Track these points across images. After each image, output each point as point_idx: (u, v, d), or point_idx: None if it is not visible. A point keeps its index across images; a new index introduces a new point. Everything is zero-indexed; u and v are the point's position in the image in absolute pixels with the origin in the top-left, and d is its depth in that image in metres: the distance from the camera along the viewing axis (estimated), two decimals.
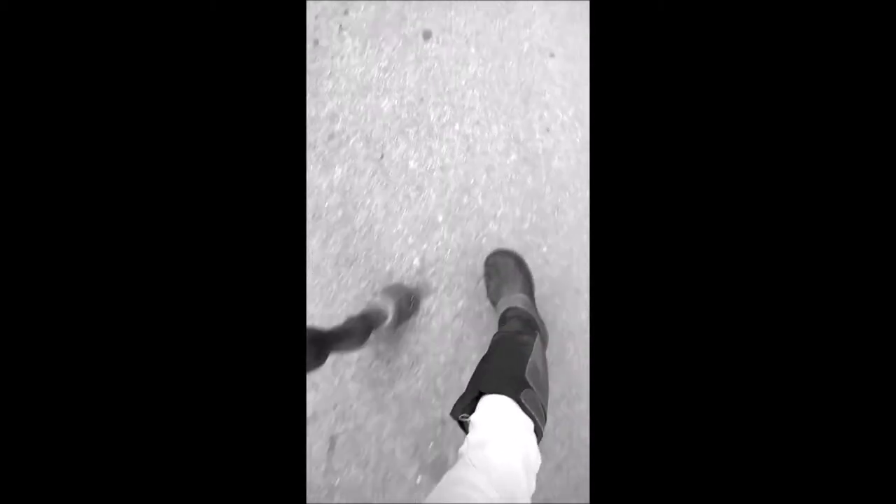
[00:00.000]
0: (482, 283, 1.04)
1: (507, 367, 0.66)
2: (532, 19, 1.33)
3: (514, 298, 0.94)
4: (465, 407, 0.62)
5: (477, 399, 0.62)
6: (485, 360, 0.71)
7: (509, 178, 1.16)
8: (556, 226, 1.12)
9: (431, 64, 1.33)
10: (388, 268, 1.12)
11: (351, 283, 1.12)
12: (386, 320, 0.93)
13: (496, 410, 0.59)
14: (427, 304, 1.08)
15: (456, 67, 1.30)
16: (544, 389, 0.68)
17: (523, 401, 0.59)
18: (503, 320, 0.90)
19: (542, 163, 1.16)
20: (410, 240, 1.14)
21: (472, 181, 1.17)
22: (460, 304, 1.06)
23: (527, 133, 1.18)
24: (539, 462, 0.57)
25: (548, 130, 1.18)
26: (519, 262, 1.02)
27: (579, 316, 1.10)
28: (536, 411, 0.60)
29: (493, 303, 1.00)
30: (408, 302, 1.01)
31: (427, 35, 1.36)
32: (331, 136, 1.28)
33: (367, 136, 1.27)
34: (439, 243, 1.13)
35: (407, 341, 1.03)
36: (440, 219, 1.15)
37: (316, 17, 1.41)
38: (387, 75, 1.34)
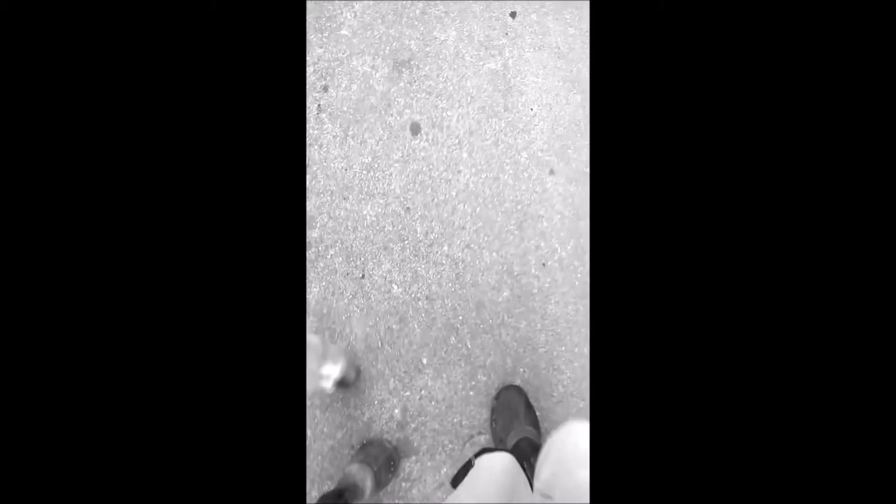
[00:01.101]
0: (470, 443, 0.97)
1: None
2: (532, 124, 1.23)
3: (524, 430, 0.91)
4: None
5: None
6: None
7: (501, 318, 1.08)
8: (550, 386, 1.06)
9: (420, 167, 1.20)
10: (366, 416, 1.03)
11: (327, 430, 1.02)
12: (364, 496, 0.86)
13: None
14: (408, 467, 1.00)
15: (446, 175, 1.19)
16: None
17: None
18: (515, 447, 0.87)
19: (537, 305, 1.09)
20: (392, 383, 1.05)
21: (461, 318, 1.08)
22: (444, 471, 0.99)
23: (521, 266, 1.10)
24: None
25: (544, 266, 1.11)
26: (527, 401, 1.00)
27: None
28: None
29: (500, 441, 0.95)
30: (387, 469, 0.94)
31: (415, 129, 1.23)
32: (308, 246, 1.15)
33: (347, 249, 1.15)
34: (423, 392, 1.05)
35: None
36: (424, 361, 1.06)
37: None
38: (370, 174, 1.20)
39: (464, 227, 1.15)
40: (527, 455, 0.80)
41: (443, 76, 1.26)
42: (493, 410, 1.00)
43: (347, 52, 1.30)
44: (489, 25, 1.31)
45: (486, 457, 0.68)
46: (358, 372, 1.00)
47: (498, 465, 0.67)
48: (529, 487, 0.64)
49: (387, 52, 1.30)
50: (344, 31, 1.33)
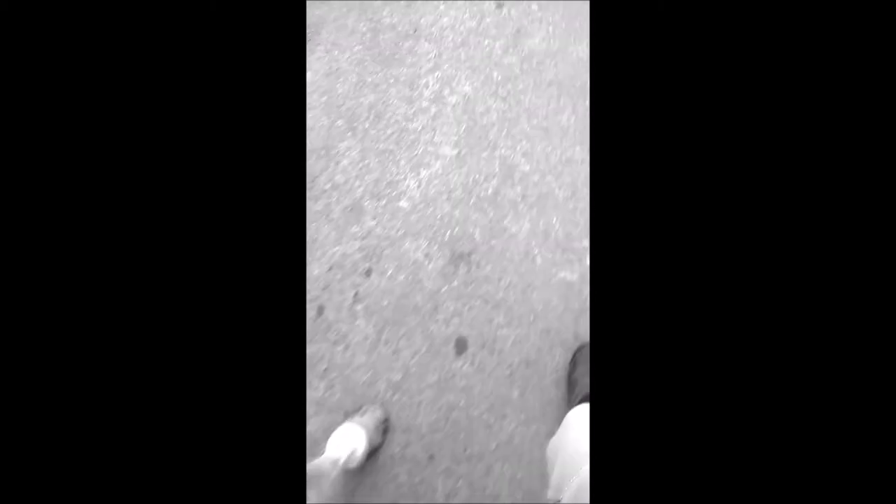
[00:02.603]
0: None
1: None
2: None
3: None
4: None
5: None
6: None
7: None
8: None
9: (457, 399, 0.97)
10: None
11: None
12: (357, 458, 0.87)
13: None
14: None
15: (488, 418, 0.95)
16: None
17: None
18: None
19: None
20: None
21: None
22: None
23: None
24: None
25: None
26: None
27: None
28: None
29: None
30: (379, 432, 0.94)
31: (461, 347, 1.01)
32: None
33: None
34: None
35: None
36: None
37: (330, 269, 1.07)
38: (396, 398, 0.99)
39: (498, 496, 0.90)
40: None
41: (505, 281, 1.05)
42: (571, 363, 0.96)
43: (402, 230, 1.13)
44: (572, 220, 1.09)
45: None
46: (385, 429, 0.97)
47: None
48: None
49: (446, 238, 1.11)
50: (403, 203, 1.16)
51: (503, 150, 1.21)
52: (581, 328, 0.98)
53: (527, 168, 1.17)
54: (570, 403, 0.88)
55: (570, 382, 0.91)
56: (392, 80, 1.31)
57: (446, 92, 1.29)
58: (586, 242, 1.06)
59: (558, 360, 0.96)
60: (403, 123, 1.26)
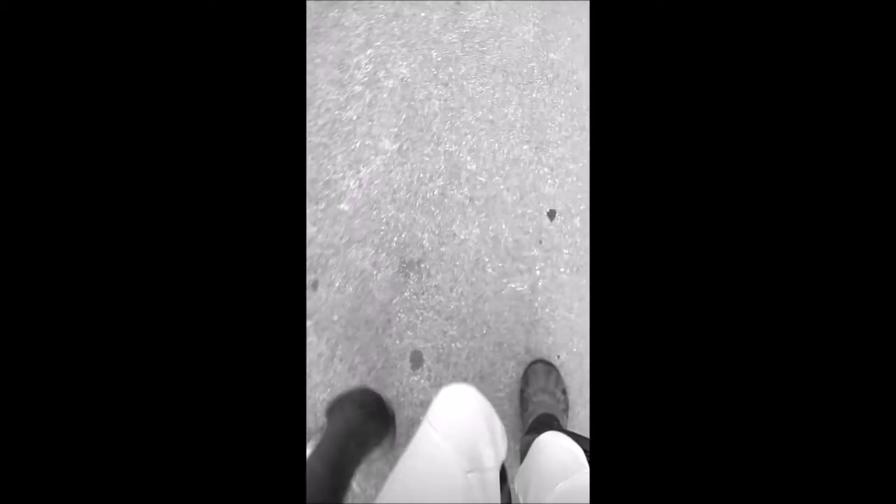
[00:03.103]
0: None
1: None
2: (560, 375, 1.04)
3: (546, 403, 0.93)
4: None
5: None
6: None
7: None
8: None
9: (417, 414, 1.00)
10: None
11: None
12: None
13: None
14: None
15: None
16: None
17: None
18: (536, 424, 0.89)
19: None
20: None
21: None
22: None
23: None
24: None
25: None
26: (558, 376, 0.98)
27: None
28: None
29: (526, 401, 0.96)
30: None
31: (417, 361, 1.02)
32: None
33: None
34: None
35: None
36: None
37: None
38: None
39: None
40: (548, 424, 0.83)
41: (457, 291, 1.05)
42: (523, 379, 0.98)
43: (346, 237, 1.06)
44: (521, 227, 1.10)
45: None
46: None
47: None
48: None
49: (394, 244, 1.07)
50: (344, 206, 1.09)
51: (448, 146, 1.15)
52: (532, 341, 1.02)
53: (473, 167, 1.14)
54: (524, 420, 0.93)
55: (523, 399, 0.96)
56: (319, 60, 1.17)
57: (381, 74, 1.18)
58: (535, 251, 1.08)
59: (511, 373, 1.01)
60: (336, 112, 1.14)
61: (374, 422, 0.83)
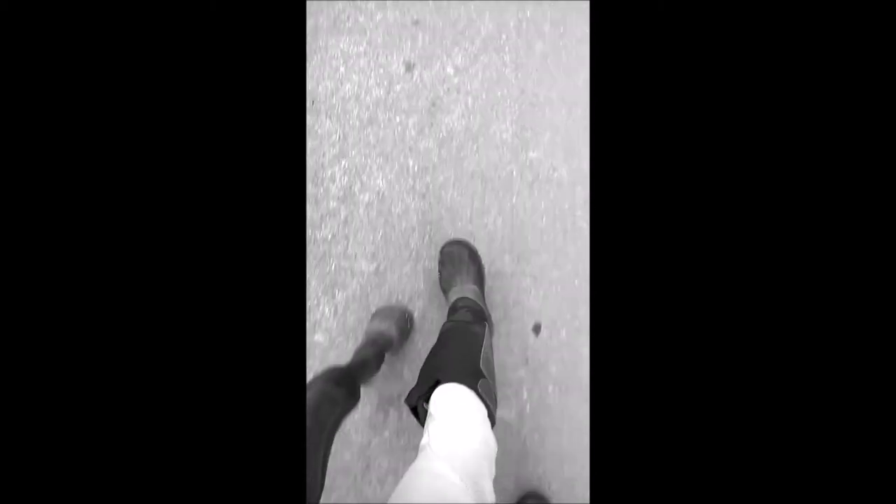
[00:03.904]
0: None
1: (462, 357, 0.71)
2: None
3: (465, 289, 0.95)
4: (420, 395, 0.65)
5: (433, 388, 0.64)
6: (438, 349, 0.75)
7: None
8: None
9: None
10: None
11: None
12: (393, 343, 0.91)
13: (455, 399, 0.62)
14: None
15: None
16: (494, 378, 0.73)
17: (480, 390, 0.64)
18: (453, 310, 0.90)
19: None
20: None
21: None
22: None
23: None
24: (496, 448, 0.62)
25: None
26: (472, 254, 1.03)
27: None
28: (491, 400, 0.65)
29: (445, 291, 1.00)
30: (405, 321, 0.98)
31: None
32: None
33: None
34: None
35: None
36: None
37: None
38: None
39: None
40: (467, 320, 0.84)
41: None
42: (440, 262, 1.03)
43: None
44: (506, 346, 1.05)
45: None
46: (409, 320, 1.03)
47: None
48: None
49: (370, 379, 1.00)
50: (318, 337, 1.03)
51: (426, 262, 1.10)
52: (522, 473, 0.96)
53: None
54: None
55: None
56: None
57: (356, 188, 1.13)
58: (522, 371, 1.02)
59: None
60: (310, 232, 1.09)
61: None
